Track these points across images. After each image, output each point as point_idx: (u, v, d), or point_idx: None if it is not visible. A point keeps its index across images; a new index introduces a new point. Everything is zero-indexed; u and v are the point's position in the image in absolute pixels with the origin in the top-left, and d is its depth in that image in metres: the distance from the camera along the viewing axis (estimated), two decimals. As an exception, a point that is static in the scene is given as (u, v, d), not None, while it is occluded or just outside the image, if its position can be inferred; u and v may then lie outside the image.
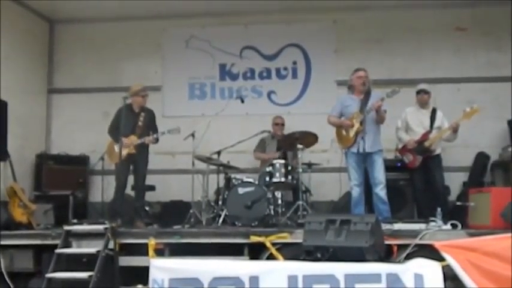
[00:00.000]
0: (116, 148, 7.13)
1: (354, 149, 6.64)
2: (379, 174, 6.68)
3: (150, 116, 7.42)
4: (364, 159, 6.65)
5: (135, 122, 7.24)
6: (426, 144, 7.10)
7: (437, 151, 7.23)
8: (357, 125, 6.63)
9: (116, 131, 7.20)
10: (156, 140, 7.29)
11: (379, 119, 6.70)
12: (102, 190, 8.33)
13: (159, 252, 5.85)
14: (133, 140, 7.13)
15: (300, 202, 7.06)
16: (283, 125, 8.35)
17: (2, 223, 6.92)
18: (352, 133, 6.69)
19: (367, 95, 6.68)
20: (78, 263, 6.09)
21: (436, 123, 7.22)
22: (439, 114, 7.28)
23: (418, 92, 7.33)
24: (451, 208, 7.04)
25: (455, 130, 7.01)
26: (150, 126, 7.35)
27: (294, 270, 4.94)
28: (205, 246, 6.01)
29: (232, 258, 5.77)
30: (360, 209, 6.62)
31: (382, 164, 6.76)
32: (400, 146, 7.48)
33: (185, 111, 9.06)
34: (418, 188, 7.32)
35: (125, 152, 6.96)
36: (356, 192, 6.67)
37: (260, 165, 8.21)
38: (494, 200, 6.23)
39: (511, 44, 8.16)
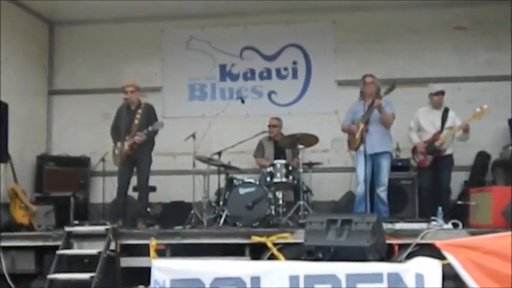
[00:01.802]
0: (116, 150, 7.13)
1: (361, 148, 6.68)
2: (384, 177, 6.85)
3: (148, 112, 7.22)
4: (371, 159, 6.75)
5: (131, 120, 7.10)
6: (437, 144, 7.09)
7: (449, 151, 7.19)
8: (361, 126, 6.70)
9: (114, 132, 7.19)
10: (146, 136, 6.93)
11: (383, 119, 6.79)
12: (103, 191, 8.34)
13: (161, 253, 5.84)
14: (127, 140, 7.00)
15: (301, 202, 7.07)
16: (276, 126, 8.27)
17: (3, 225, 6.92)
18: (358, 134, 6.79)
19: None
20: (79, 264, 6.11)
21: (448, 123, 7.18)
22: (451, 114, 7.23)
23: (436, 94, 7.26)
24: (452, 207, 7.04)
25: (465, 130, 7.00)
26: (149, 121, 7.10)
27: (295, 270, 4.94)
28: (207, 247, 6.02)
29: (233, 258, 5.78)
30: (363, 207, 6.62)
31: (388, 167, 6.91)
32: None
33: (185, 112, 9.05)
34: (424, 187, 7.33)
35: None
36: (361, 189, 6.70)
37: (260, 168, 8.21)
38: (496, 199, 6.25)
39: (510, 42, 8.15)
